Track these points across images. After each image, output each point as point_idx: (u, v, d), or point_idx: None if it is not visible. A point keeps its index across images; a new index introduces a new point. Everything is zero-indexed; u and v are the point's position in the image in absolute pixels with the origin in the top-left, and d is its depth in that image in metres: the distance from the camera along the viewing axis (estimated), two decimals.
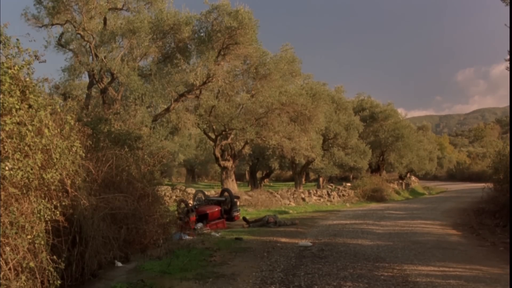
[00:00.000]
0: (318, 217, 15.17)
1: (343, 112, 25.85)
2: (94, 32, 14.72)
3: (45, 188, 5.05)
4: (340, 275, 6.48)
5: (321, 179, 29.72)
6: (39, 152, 4.85)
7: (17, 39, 5.16)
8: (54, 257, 4.72)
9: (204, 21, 15.14)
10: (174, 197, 17.09)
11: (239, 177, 36.68)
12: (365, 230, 11.51)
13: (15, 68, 4.87)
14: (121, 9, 15.86)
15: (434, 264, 7.28)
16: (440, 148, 53.65)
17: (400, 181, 34.60)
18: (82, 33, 14.68)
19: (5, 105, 4.59)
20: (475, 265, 7.23)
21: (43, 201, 4.83)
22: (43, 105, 5.08)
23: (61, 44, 16.09)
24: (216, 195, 14.99)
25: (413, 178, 40.15)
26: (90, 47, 14.94)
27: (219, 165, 20.00)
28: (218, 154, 19.47)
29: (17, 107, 4.70)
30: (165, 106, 16.25)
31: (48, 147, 5.02)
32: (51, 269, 4.60)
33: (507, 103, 12.97)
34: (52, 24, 15.65)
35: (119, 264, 6.83)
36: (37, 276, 4.45)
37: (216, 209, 12.40)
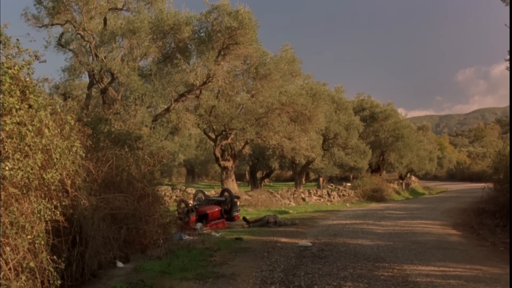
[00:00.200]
0: (318, 217, 15.17)
1: (343, 112, 25.84)
2: (94, 32, 14.72)
3: (45, 188, 5.05)
4: (340, 275, 6.48)
5: (321, 179, 29.72)
6: (39, 152, 4.85)
7: (17, 39, 5.17)
8: (54, 257, 4.72)
9: (204, 21, 15.14)
10: (174, 197, 17.09)
11: (239, 177, 36.67)
12: (365, 230, 11.51)
13: (15, 68, 4.87)
14: (121, 9, 15.86)
15: (434, 264, 7.28)
16: (440, 148, 53.65)
17: (400, 181, 34.60)
18: (82, 33, 14.68)
19: (5, 105, 4.59)
20: (475, 265, 7.23)
21: (43, 201, 4.83)
22: (43, 105, 5.08)
23: (61, 44, 16.09)
24: (216, 195, 14.98)
25: (413, 178, 40.15)
26: (90, 47, 14.94)
27: (219, 165, 20.00)
28: (218, 154, 19.47)
29: (17, 107, 4.70)
30: (165, 106, 16.25)
31: (48, 147, 5.01)
32: (51, 269, 4.60)
33: (507, 103, 12.98)
34: (52, 24, 15.65)
35: (121, 264, 6.83)
36: (37, 276, 4.45)
37: (216, 209, 12.40)
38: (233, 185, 19.38)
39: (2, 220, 4.26)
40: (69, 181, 5.61)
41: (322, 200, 22.50)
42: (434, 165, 42.16)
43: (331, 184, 28.94)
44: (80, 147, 5.74)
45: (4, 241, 4.25)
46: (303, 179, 30.36)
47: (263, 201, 18.16)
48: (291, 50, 18.71)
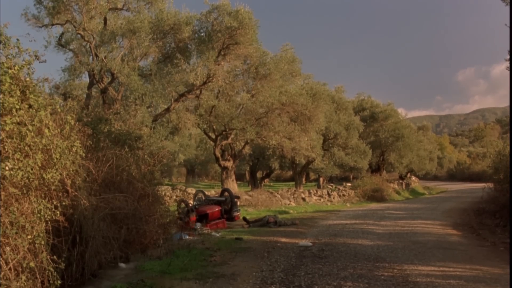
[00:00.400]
0: (318, 217, 15.17)
1: (343, 112, 25.84)
2: (94, 32, 14.71)
3: (45, 188, 5.05)
4: (340, 275, 6.48)
5: (321, 179, 29.72)
6: (39, 152, 4.85)
7: (17, 39, 5.16)
8: (54, 257, 4.72)
9: (204, 21, 15.14)
10: (174, 197, 17.08)
11: (239, 177, 36.67)
12: (365, 230, 11.51)
13: (15, 68, 4.87)
14: (121, 9, 15.86)
15: (434, 264, 7.28)
16: (440, 148, 53.67)
17: (400, 181, 34.60)
18: (82, 33, 14.68)
19: (5, 105, 4.59)
20: (475, 265, 7.23)
21: (43, 201, 4.83)
22: (43, 105, 5.08)
23: (61, 44, 16.09)
24: (216, 195, 14.98)
25: (413, 178, 40.16)
26: (90, 47, 14.94)
27: (219, 165, 20.00)
28: (218, 154, 19.47)
29: (17, 107, 4.69)
30: (165, 106, 16.24)
31: (48, 147, 5.01)
32: (51, 269, 4.60)
33: (507, 103, 12.98)
34: (52, 24, 15.64)
35: (123, 265, 6.82)
36: (37, 276, 4.45)
37: (216, 209, 12.40)
38: (233, 185, 19.38)
39: (2, 220, 4.26)
40: (69, 181, 5.61)
41: (322, 200, 22.50)
42: (434, 165, 42.17)
43: (331, 184, 28.94)
44: (80, 147, 5.74)
45: (4, 241, 4.25)
46: (303, 179, 30.36)
47: (263, 201, 18.16)
48: (291, 50, 18.71)
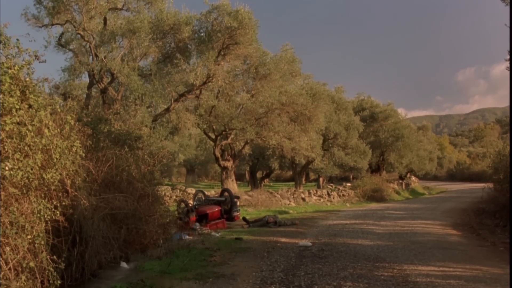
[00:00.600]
0: (318, 217, 15.17)
1: (343, 112, 25.84)
2: (94, 32, 14.71)
3: (45, 188, 5.05)
4: (340, 275, 6.48)
5: (321, 179, 29.72)
6: (39, 152, 4.85)
7: (17, 39, 5.16)
8: (54, 257, 4.72)
9: (204, 21, 15.13)
10: (174, 197, 17.08)
11: (239, 177, 36.66)
12: (365, 230, 11.51)
13: (15, 68, 4.87)
14: (121, 9, 15.86)
15: (434, 264, 7.28)
16: (440, 148, 53.66)
17: (400, 181, 34.60)
18: (82, 33, 14.68)
19: (5, 105, 4.59)
20: (475, 265, 7.23)
21: (43, 201, 4.83)
22: (43, 105, 5.08)
23: (61, 44, 16.09)
24: (216, 195, 14.98)
25: (413, 178, 40.16)
26: (90, 47, 14.94)
27: (219, 165, 20.00)
28: (218, 154, 19.47)
29: (17, 107, 4.69)
30: (165, 106, 16.24)
31: (48, 147, 5.01)
32: (51, 269, 4.60)
33: (507, 103, 12.98)
34: (52, 24, 15.65)
35: (125, 265, 6.82)
36: (37, 276, 4.45)
37: (216, 209, 12.39)
38: (233, 185, 19.38)
39: (2, 220, 4.26)
40: (69, 181, 5.61)
41: (322, 200, 22.50)
42: (434, 165, 42.17)
43: (331, 184, 28.94)
44: (80, 147, 5.74)
45: (4, 241, 4.25)
46: (303, 179, 30.35)
47: (263, 201, 18.16)
48: (291, 50, 18.71)
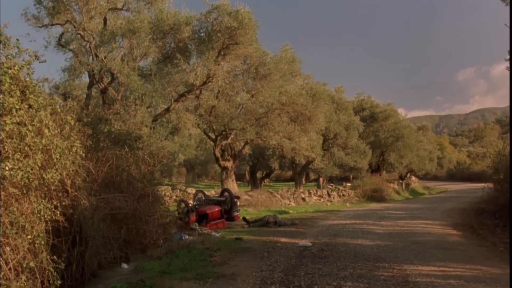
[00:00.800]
0: (318, 217, 15.17)
1: (343, 112, 25.84)
2: (94, 32, 14.71)
3: (45, 188, 5.05)
4: (340, 275, 6.48)
5: (321, 179, 29.72)
6: (39, 152, 4.85)
7: (17, 39, 5.16)
8: (54, 257, 4.72)
9: (204, 21, 15.13)
10: (174, 197, 17.09)
11: (239, 177, 36.66)
12: (365, 230, 11.51)
13: (15, 68, 4.87)
14: (121, 9, 15.86)
15: (434, 264, 7.28)
16: (440, 148, 53.68)
17: (400, 181, 34.60)
18: (82, 33, 14.68)
19: (5, 105, 4.59)
20: (475, 265, 7.23)
21: (43, 201, 4.83)
22: (43, 105, 5.08)
23: (61, 44, 16.09)
24: (216, 195, 14.98)
25: (413, 178, 40.17)
26: (90, 47, 14.94)
27: (219, 165, 20.00)
28: (218, 154, 19.47)
29: (17, 107, 4.70)
30: (165, 106, 16.24)
31: (48, 147, 5.01)
32: (51, 269, 4.60)
33: (507, 103, 12.98)
34: (52, 24, 15.64)
35: (125, 265, 6.82)
36: (37, 276, 4.45)
37: (216, 209, 12.40)
38: (233, 185, 19.38)
39: (2, 220, 4.26)
40: (69, 181, 5.61)
41: (322, 200, 22.50)
42: (434, 165, 42.17)
43: (331, 184, 28.94)
44: (80, 147, 5.74)
45: (4, 241, 4.25)
46: (303, 179, 30.35)
47: (263, 201, 18.16)
48: (291, 50, 18.69)
